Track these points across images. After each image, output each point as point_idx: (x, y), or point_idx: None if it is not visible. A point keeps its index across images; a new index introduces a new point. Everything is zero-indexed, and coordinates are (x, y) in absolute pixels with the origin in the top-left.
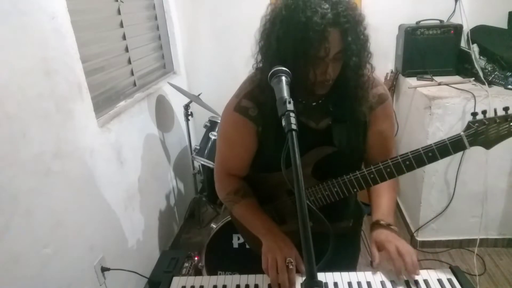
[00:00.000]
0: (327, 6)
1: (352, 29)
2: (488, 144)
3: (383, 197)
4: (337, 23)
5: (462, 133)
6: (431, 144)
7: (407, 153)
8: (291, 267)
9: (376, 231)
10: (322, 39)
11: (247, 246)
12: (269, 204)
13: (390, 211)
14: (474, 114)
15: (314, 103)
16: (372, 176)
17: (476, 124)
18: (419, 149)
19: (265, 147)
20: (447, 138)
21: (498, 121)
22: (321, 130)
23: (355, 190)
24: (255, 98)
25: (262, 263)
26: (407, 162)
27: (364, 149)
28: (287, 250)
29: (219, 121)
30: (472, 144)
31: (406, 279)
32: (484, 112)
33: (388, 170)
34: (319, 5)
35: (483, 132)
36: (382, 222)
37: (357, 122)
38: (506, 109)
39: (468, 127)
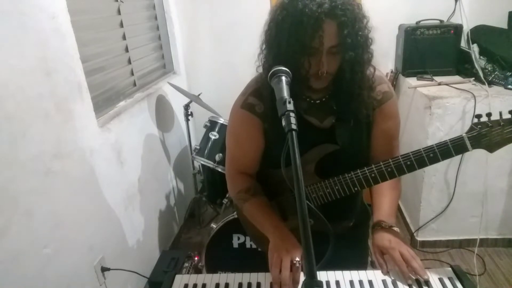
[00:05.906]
0: None
1: (348, 23)
2: (491, 147)
3: (384, 197)
4: (333, 15)
5: (464, 134)
6: (432, 145)
7: (409, 153)
8: (297, 265)
9: (377, 236)
10: (316, 27)
11: (247, 246)
12: (272, 200)
13: (391, 212)
14: (478, 116)
15: (318, 101)
16: (373, 175)
17: (479, 126)
18: (420, 149)
19: (270, 144)
20: (449, 140)
21: (502, 123)
22: (324, 128)
23: (356, 188)
24: (261, 96)
25: (268, 260)
26: (408, 163)
27: (368, 147)
28: (294, 249)
29: (219, 121)
30: (474, 146)
31: (410, 283)
32: (488, 115)
33: (389, 170)
34: None
35: (486, 135)
36: (383, 224)
37: (360, 120)
38: None
39: (471, 128)
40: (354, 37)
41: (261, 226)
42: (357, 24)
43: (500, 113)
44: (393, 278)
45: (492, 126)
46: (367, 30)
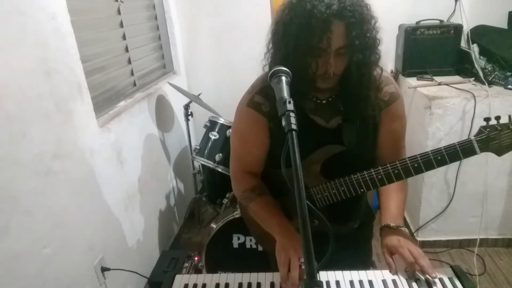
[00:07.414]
0: None
1: (357, 25)
2: (500, 150)
3: (392, 199)
4: (342, 16)
5: (472, 137)
6: (440, 148)
7: (416, 155)
8: (304, 266)
9: (386, 237)
10: (324, 28)
11: (247, 246)
12: (276, 199)
13: (398, 213)
14: (487, 119)
15: (324, 101)
16: (379, 177)
17: (488, 129)
18: (428, 152)
19: (276, 143)
20: (457, 142)
21: (511, 127)
22: (331, 128)
23: (362, 190)
24: (267, 95)
25: (276, 259)
26: (416, 165)
27: (374, 148)
28: (301, 249)
29: (219, 121)
30: (483, 149)
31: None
32: (497, 118)
33: (396, 172)
34: None
35: (495, 138)
36: (392, 225)
37: (367, 121)
38: None
39: (480, 132)
40: (362, 38)
41: (267, 226)
42: (365, 25)
43: (510, 116)
44: (394, 278)
45: (501, 129)
46: (375, 31)
